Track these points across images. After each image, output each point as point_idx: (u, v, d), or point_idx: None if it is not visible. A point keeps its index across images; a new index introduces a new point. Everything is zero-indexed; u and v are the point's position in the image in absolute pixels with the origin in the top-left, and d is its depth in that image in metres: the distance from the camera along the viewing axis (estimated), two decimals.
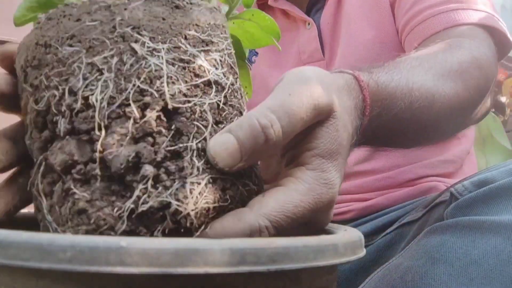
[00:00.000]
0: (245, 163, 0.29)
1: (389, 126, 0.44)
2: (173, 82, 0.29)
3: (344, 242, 0.28)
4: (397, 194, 0.70)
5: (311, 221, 0.33)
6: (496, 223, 0.41)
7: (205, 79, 0.31)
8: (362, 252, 0.31)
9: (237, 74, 0.34)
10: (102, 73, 0.28)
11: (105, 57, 0.29)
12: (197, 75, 0.30)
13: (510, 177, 0.43)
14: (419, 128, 0.49)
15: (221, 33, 0.33)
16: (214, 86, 0.31)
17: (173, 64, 0.30)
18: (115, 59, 0.29)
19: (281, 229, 0.30)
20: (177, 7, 0.32)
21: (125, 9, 0.30)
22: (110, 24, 0.30)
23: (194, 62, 0.30)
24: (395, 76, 0.45)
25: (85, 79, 0.28)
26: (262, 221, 0.29)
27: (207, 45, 0.32)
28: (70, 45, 0.29)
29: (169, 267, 0.21)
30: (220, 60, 0.32)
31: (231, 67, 0.34)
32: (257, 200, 0.30)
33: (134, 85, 0.28)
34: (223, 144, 0.29)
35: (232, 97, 0.32)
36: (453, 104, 0.51)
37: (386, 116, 0.43)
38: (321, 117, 0.33)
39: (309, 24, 0.78)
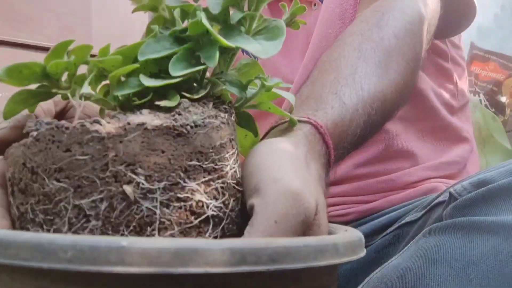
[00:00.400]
0: None
1: (354, 145, 0.45)
2: (165, 228, 0.27)
3: (345, 242, 0.28)
4: (398, 197, 0.69)
5: None
6: (494, 224, 0.41)
7: (203, 217, 0.28)
8: (363, 252, 0.31)
9: (239, 192, 0.32)
10: (89, 221, 0.26)
11: (93, 201, 0.26)
12: (194, 213, 0.28)
13: (509, 177, 0.43)
14: (379, 126, 0.49)
15: (228, 151, 0.31)
16: (211, 221, 0.29)
17: (167, 206, 0.27)
18: (104, 204, 0.26)
19: None
20: (179, 134, 0.29)
21: (121, 141, 0.27)
22: (102, 161, 0.27)
23: (192, 199, 0.28)
24: (346, 99, 0.44)
25: (70, 223, 0.27)
26: None
27: (209, 173, 0.29)
28: (58, 180, 0.27)
29: (170, 266, 0.21)
30: (222, 187, 0.30)
31: (234, 186, 0.31)
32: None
33: (122, 235, 0.26)
34: None
35: (231, 225, 0.30)
36: (400, 86, 0.51)
37: (349, 144, 0.44)
38: None
39: (315, 5, 0.73)
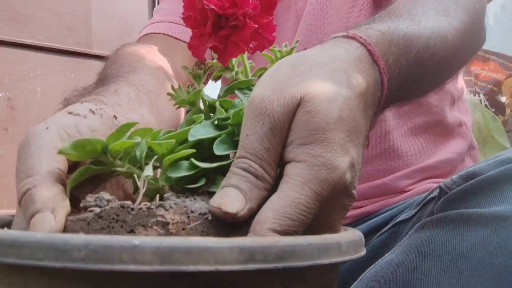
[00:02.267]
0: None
1: (411, 71, 0.41)
2: None
3: (347, 240, 0.29)
4: (393, 200, 0.68)
5: (328, 211, 0.32)
6: (483, 216, 0.41)
7: None
8: (363, 251, 0.31)
9: None
10: None
11: None
12: None
13: (497, 168, 0.43)
14: (438, 67, 0.47)
15: None
16: None
17: None
18: None
19: (296, 232, 0.29)
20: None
21: (183, 229, 0.29)
22: None
23: None
24: (399, 20, 0.42)
25: None
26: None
27: None
28: None
29: (181, 265, 0.22)
30: None
31: None
32: (256, 219, 0.29)
33: None
34: None
35: None
36: (461, 31, 0.49)
37: (405, 60, 0.40)
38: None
39: None
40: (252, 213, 0.30)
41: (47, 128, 0.34)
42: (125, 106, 0.44)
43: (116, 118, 0.40)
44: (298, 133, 0.31)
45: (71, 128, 0.35)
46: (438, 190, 0.49)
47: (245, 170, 0.31)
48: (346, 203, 0.33)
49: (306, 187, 0.30)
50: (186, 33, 0.62)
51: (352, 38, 0.38)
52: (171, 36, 0.67)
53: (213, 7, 0.37)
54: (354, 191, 0.33)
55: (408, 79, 0.42)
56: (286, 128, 0.31)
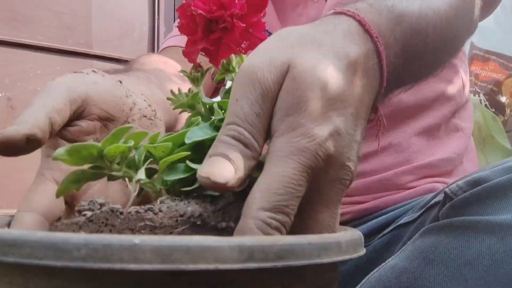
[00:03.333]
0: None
1: (408, 41, 0.41)
2: None
3: (347, 239, 0.29)
4: (394, 198, 0.68)
5: (321, 186, 0.31)
6: (490, 223, 0.40)
7: None
8: (363, 251, 0.31)
9: None
10: None
11: None
12: None
13: (505, 175, 0.42)
14: (436, 39, 0.46)
15: None
16: None
17: None
18: None
19: (288, 206, 0.29)
20: (223, 230, 0.30)
21: (171, 233, 0.29)
22: None
23: None
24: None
25: None
26: (257, 221, 0.28)
27: None
28: None
29: (181, 263, 0.22)
30: None
31: None
32: (245, 203, 0.29)
33: None
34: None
35: None
36: (455, 8, 0.49)
37: (400, 28, 0.40)
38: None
39: None
40: (241, 183, 0.30)
41: (55, 81, 0.38)
42: (133, 80, 0.46)
43: (121, 83, 0.42)
44: (282, 103, 0.31)
45: (77, 79, 0.38)
46: (443, 195, 0.48)
47: (234, 137, 0.30)
48: (341, 177, 0.32)
49: (289, 160, 0.29)
50: None
51: (341, 13, 0.38)
52: None
53: (201, 11, 0.37)
54: (349, 163, 0.32)
55: (407, 49, 0.41)
56: (276, 95, 0.32)
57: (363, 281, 0.51)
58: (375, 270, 0.50)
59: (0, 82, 1.40)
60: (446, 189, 0.47)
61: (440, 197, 0.51)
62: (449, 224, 0.44)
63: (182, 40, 0.69)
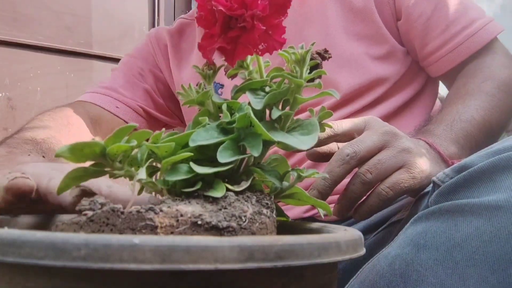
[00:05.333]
0: None
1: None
2: None
3: (346, 240, 0.29)
4: None
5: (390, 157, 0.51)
6: (477, 205, 0.42)
7: None
8: (362, 251, 0.31)
9: None
10: None
11: None
12: None
13: (488, 159, 0.44)
14: (490, 138, 0.68)
15: None
16: None
17: None
18: None
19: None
20: (225, 230, 0.30)
21: (172, 232, 0.29)
22: None
23: None
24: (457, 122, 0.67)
25: None
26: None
27: None
28: None
29: (181, 263, 0.22)
30: None
31: None
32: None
33: None
34: None
35: None
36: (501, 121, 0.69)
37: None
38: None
39: None
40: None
41: None
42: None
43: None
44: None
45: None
46: (432, 185, 0.50)
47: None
48: (404, 158, 0.53)
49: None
50: (110, 103, 0.89)
51: (425, 142, 0.59)
52: (98, 106, 0.88)
53: (221, 8, 0.36)
54: (409, 156, 0.53)
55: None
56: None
57: (358, 272, 0.52)
58: (369, 261, 0.51)
59: (0, 82, 1.40)
60: (434, 178, 0.49)
61: (429, 187, 0.53)
62: (438, 209, 0.45)
63: (95, 98, 0.89)
